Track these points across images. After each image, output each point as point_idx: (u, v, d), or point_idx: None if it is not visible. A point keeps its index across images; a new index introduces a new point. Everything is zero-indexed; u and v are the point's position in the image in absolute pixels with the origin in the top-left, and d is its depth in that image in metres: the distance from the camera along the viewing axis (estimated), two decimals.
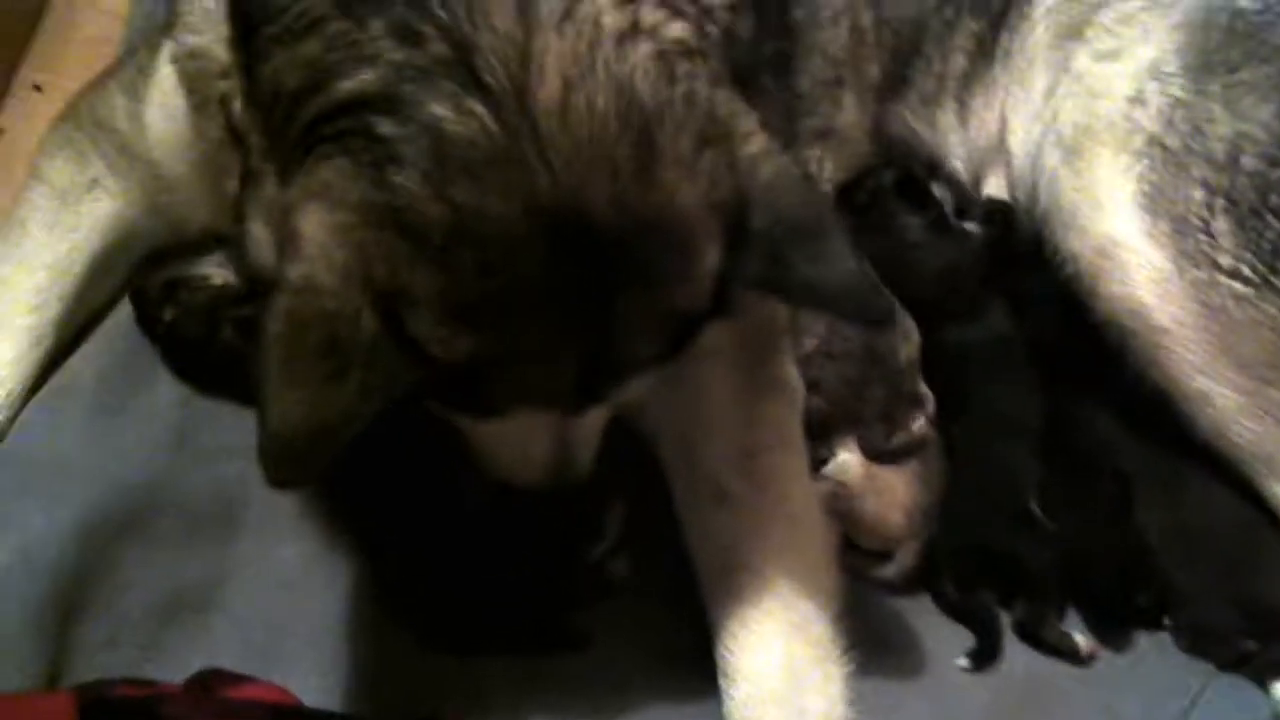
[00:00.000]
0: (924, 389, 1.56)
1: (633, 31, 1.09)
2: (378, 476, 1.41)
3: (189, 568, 1.42)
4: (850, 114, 1.67)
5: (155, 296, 1.53)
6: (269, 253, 1.07)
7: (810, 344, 1.52)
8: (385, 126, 1.05)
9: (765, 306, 1.43)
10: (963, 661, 1.48)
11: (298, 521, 1.46)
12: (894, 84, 1.71)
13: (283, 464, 1.06)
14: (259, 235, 1.09)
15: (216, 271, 1.54)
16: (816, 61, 1.61)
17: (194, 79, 1.40)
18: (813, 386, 1.50)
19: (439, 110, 1.04)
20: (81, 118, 1.61)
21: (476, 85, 1.04)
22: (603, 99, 1.05)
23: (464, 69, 1.04)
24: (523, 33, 1.05)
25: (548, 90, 1.04)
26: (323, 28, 1.10)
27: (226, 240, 1.57)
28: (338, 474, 1.45)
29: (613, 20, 1.08)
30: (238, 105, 1.27)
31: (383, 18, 1.07)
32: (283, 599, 1.42)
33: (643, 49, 1.08)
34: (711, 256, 1.10)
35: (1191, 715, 1.46)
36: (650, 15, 1.10)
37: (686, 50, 1.12)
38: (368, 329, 1.04)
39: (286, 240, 1.05)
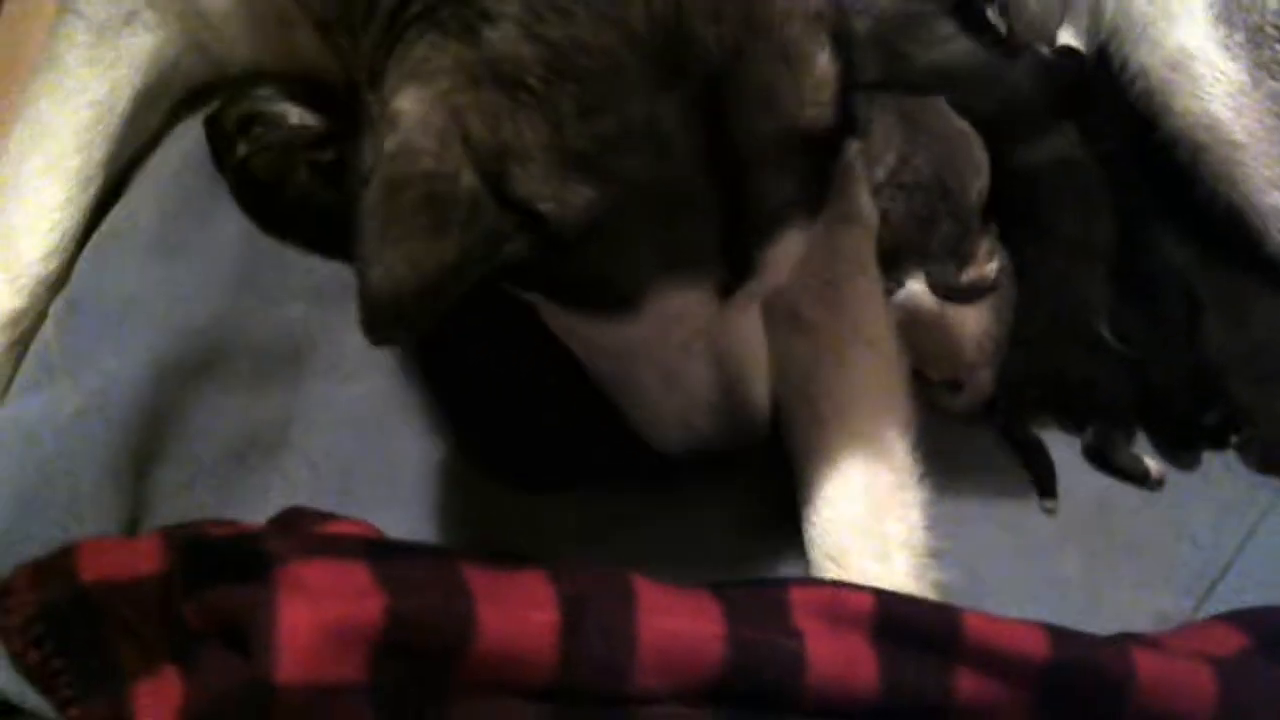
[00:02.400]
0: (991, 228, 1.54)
1: None
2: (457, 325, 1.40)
3: (260, 409, 1.40)
4: None
5: (230, 129, 1.48)
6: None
7: (880, 174, 1.50)
8: None
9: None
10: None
11: (366, 360, 1.43)
12: None
13: (382, 323, 1.06)
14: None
15: (294, 109, 1.48)
16: None
17: None
18: (881, 218, 1.48)
19: None
20: None
21: None
22: None
23: None
24: None
25: None
26: None
27: (272, 78, 1.53)
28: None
29: None
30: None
31: None
32: (355, 437, 1.41)
33: None
34: (822, 64, 1.08)
35: (1260, 528, 1.48)
36: None
37: None
38: (467, 187, 1.02)
39: (383, 122, 1.04)
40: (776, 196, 1.10)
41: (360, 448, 1.41)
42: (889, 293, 1.48)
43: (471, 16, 1.03)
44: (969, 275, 1.49)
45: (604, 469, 1.39)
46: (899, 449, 1.38)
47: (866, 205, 1.46)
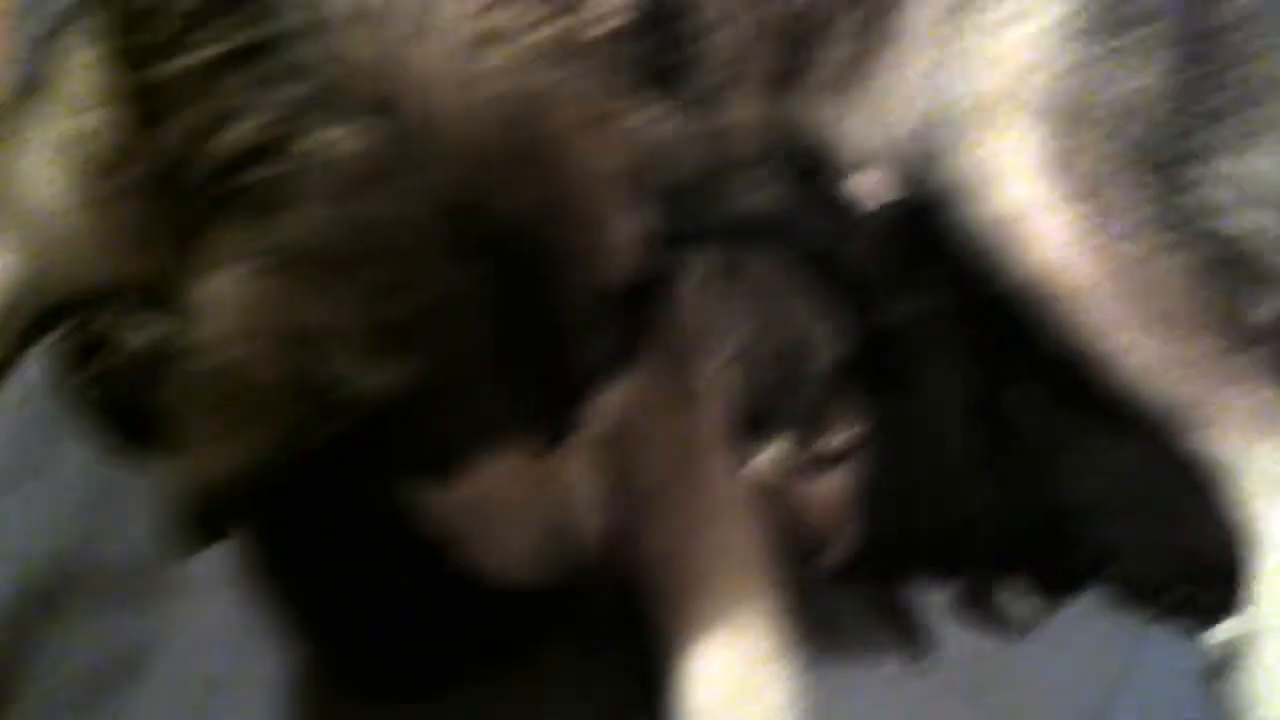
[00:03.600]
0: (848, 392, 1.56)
1: (497, 36, 1.09)
2: (301, 524, 1.39)
3: (118, 634, 1.39)
4: (747, 111, 1.65)
5: (82, 348, 1.48)
6: None
7: (725, 350, 1.51)
8: (273, 169, 1.04)
9: (675, 313, 1.42)
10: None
11: (222, 574, 1.42)
12: (790, 74, 1.69)
13: (198, 523, 1.05)
14: None
15: (155, 318, 1.48)
16: (709, 64, 1.60)
17: (86, 168, 1.34)
18: (730, 391, 1.49)
19: (322, 138, 1.03)
20: None
21: (356, 108, 1.03)
22: (480, 97, 1.05)
23: (342, 95, 1.04)
24: (393, 52, 1.05)
25: (425, 99, 1.04)
26: (205, 91, 1.09)
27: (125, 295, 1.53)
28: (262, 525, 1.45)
29: (473, 28, 1.08)
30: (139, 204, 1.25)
31: (253, 70, 1.06)
32: (217, 656, 1.40)
33: (511, 50, 1.08)
34: (625, 225, 1.11)
35: (1135, 664, 1.49)
36: (514, 20, 1.10)
37: (561, 51, 1.12)
38: (277, 374, 1.01)
39: (188, 313, 1.03)
40: (590, 354, 1.11)
41: (221, 664, 1.40)
42: (743, 462, 1.49)
43: (272, 198, 1.03)
44: (822, 443, 1.50)
45: (470, 671, 1.38)
46: (767, 618, 1.37)
47: (709, 381, 1.47)
